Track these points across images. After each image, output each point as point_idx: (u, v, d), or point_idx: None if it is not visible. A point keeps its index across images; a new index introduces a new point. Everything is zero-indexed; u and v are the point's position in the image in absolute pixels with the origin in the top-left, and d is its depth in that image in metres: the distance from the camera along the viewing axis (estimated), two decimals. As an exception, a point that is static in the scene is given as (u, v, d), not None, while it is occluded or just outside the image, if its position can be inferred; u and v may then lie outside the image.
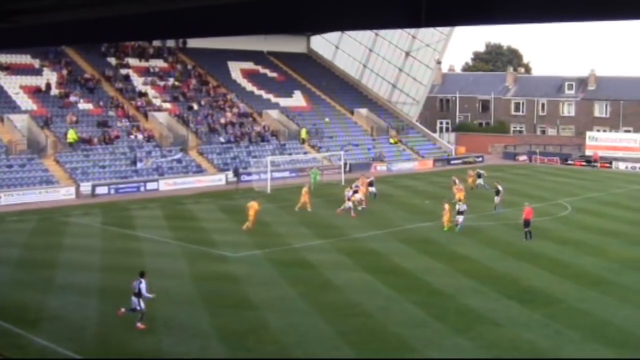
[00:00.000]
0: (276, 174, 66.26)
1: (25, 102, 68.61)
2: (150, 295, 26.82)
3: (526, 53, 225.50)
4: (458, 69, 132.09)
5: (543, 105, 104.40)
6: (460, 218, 44.26)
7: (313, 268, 35.32)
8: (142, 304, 26.50)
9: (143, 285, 26.58)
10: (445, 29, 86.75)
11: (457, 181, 54.45)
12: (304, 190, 51.84)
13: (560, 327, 26.57)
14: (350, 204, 50.37)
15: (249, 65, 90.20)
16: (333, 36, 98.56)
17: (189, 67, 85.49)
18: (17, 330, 26.05)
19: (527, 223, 41.90)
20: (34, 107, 68.41)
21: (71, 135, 65.05)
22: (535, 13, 14.22)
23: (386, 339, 25.48)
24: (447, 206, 44.91)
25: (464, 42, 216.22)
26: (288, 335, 25.74)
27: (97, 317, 27.81)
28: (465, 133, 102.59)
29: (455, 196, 49.88)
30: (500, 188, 50.80)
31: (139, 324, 26.20)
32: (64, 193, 58.67)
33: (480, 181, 58.90)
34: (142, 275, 27.15)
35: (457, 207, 45.17)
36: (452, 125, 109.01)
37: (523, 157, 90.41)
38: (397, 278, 33.12)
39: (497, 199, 50.38)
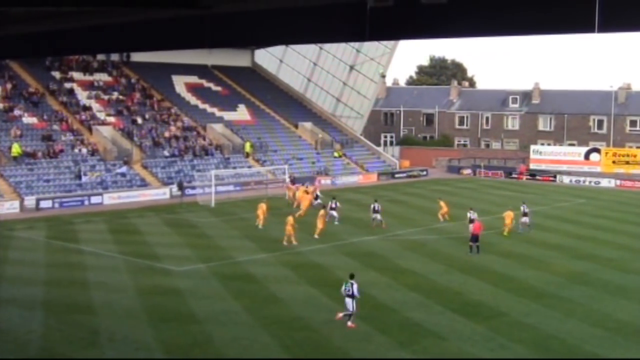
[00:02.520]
0: (220, 188, 66.22)
1: (-31, 115, 67.80)
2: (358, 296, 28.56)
3: (470, 67, 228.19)
4: (402, 83, 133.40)
5: (487, 118, 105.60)
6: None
7: (257, 282, 35.47)
8: (355, 306, 28.14)
9: (355, 287, 28.34)
10: (390, 43, 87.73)
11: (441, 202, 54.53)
12: (262, 205, 51.62)
13: (504, 340, 26.90)
14: (335, 213, 52.22)
15: (193, 79, 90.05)
16: (277, 50, 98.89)
17: (133, 80, 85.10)
18: (-40, 344, 25.89)
19: (475, 237, 42.30)
20: (-23, 120, 67.68)
21: (15, 149, 64.38)
22: (478, 27, 14.68)
23: (330, 352, 25.74)
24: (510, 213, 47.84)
25: (408, 55, 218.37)
26: (232, 348, 25.88)
27: (41, 331, 27.68)
28: (410, 147, 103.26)
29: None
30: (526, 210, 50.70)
31: (349, 324, 28.10)
32: (7, 207, 58.00)
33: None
34: (352, 277, 28.93)
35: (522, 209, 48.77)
36: (396, 139, 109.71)
37: (467, 171, 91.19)
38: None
39: (525, 219, 50.02)
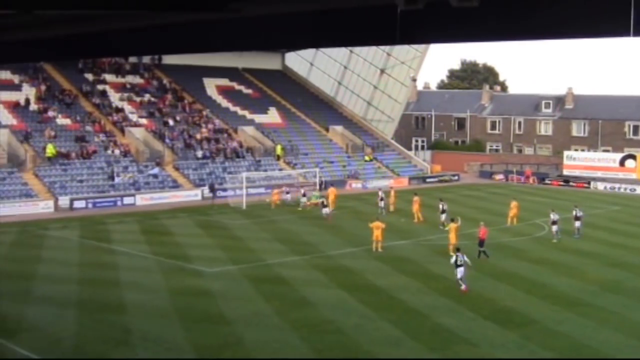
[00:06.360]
0: (252, 190, 66.41)
1: (5, 116, 68.84)
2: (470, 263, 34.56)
3: (502, 71, 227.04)
4: (433, 87, 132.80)
5: (520, 123, 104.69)
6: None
7: (287, 284, 35.49)
8: (464, 271, 33.85)
9: (465, 257, 34.39)
10: (421, 46, 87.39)
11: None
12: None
13: (537, 348, 26.54)
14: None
15: (224, 82, 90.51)
16: (308, 53, 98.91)
17: (165, 83, 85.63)
18: (-4, 340, 26.29)
19: (481, 243, 41.84)
20: (14, 121, 68.71)
21: (50, 150, 65.16)
22: (509, 31, 14.59)
23: (360, 357, 25.66)
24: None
25: (440, 59, 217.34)
26: (262, 351, 25.93)
27: (74, 329, 27.97)
28: (441, 151, 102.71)
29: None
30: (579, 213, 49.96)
31: (463, 287, 33.69)
32: (42, 206, 58.76)
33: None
34: (458, 250, 34.84)
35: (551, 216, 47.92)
36: (427, 143, 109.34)
37: (499, 176, 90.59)
38: (372, 296, 33.25)
39: (578, 224, 49.17)
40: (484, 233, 41.98)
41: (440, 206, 52.64)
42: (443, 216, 51.42)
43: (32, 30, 21.25)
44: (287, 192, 62.74)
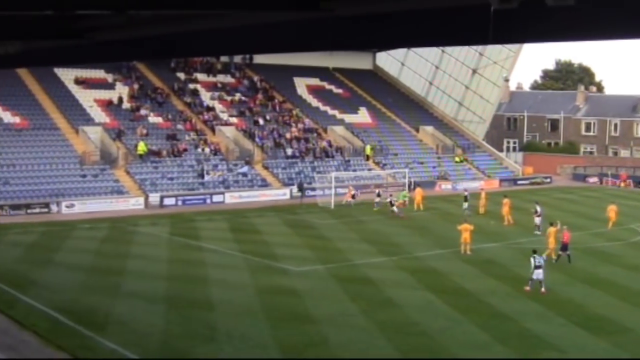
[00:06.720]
0: (340, 190, 66.38)
1: (99, 114, 70.46)
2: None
3: (598, 71, 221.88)
4: (526, 87, 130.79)
5: (616, 125, 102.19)
6: None
7: (374, 285, 35.27)
8: (543, 273, 33.77)
9: (542, 258, 34.37)
10: (514, 46, 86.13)
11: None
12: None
13: (629, 357, 25.75)
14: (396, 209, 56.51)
15: (314, 81, 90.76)
16: (399, 53, 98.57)
17: (256, 82, 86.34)
18: (86, 332, 26.88)
19: (564, 247, 40.77)
20: (107, 119, 70.22)
21: (141, 148, 66.39)
22: (607, 30, 14.09)
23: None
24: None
25: (533, 59, 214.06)
26: (347, 351, 25.76)
27: (162, 325, 28.35)
28: (533, 153, 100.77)
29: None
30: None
31: (542, 290, 33.58)
32: (133, 203, 59.90)
33: None
34: (535, 252, 34.45)
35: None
36: (519, 145, 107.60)
37: (593, 179, 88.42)
38: (459, 299, 32.76)
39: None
40: (567, 237, 41.04)
41: (537, 208, 50.80)
42: (538, 219, 50.19)
43: (126, 30, 21.57)
44: (379, 195, 62.06)
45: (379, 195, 61.67)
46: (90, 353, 24.99)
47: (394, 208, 56.77)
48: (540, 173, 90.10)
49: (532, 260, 33.97)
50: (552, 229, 41.60)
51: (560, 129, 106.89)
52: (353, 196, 62.95)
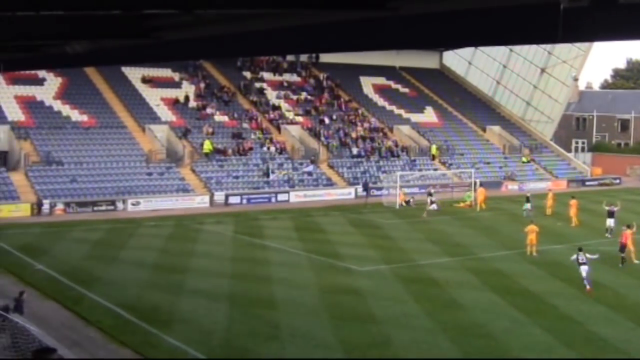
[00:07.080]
0: (406, 190, 66.05)
1: (165, 113, 71.31)
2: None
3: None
4: (596, 87, 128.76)
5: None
6: None
7: (438, 285, 35.00)
8: (588, 271, 33.73)
9: (587, 256, 34.26)
10: (583, 45, 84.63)
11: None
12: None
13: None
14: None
15: (380, 81, 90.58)
16: (466, 52, 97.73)
17: (322, 81, 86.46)
18: (150, 329, 27.19)
19: (622, 248, 39.62)
20: (173, 118, 71.04)
21: (207, 146, 67.00)
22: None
23: (510, 361, 24.98)
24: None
25: (604, 58, 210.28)
26: (410, 351, 25.62)
27: (225, 323, 28.50)
28: (602, 153, 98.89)
29: None
30: None
31: (588, 287, 33.37)
32: (198, 201, 60.53)
33: None
34: (580, 250, 34.62)
35: None
36: (588, 145, 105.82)
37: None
38: (524, 300, 32.29)
39: None
40: (626, 238, 40.07)
41: (609, 208, 49.28)
42: (611, 221, 49.00)
43: (192, 30, 21.72)
44: (430, 194, 61.46)
45: (430, 194, 61.09)
46: (153, 350, 25.26)
47: (434, 206, 57.74)
48: (609, 174, 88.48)
49: (576, 257, 34.33)
50: (628, 231, 40.60)
51: (631, 129, 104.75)
52: (407, 202, 62.50)
